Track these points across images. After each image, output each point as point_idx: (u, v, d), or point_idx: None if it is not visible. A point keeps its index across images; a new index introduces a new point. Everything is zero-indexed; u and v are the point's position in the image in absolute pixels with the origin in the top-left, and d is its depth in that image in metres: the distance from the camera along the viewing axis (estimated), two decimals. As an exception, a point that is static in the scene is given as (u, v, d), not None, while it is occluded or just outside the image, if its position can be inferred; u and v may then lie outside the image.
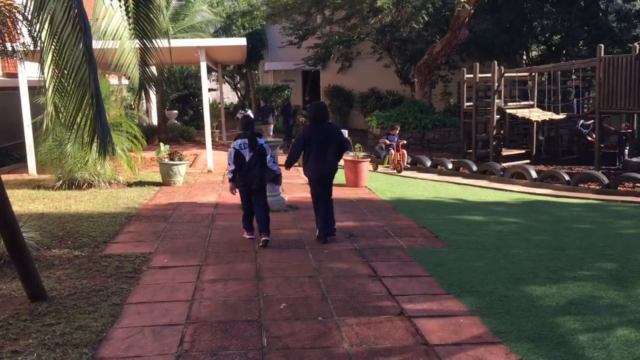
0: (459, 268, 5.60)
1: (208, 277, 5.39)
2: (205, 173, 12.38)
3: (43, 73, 4.55)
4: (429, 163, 13.61)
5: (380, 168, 13.66)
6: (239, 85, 34.15)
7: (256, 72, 30.64)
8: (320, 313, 4.49)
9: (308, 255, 6.12)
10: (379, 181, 11.66)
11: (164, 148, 11.24)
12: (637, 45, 11.91)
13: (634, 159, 12.35)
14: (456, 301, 4.73)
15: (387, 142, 13.70)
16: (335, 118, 24.26)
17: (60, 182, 10.28)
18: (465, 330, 4.16)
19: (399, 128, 14.45)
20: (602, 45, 12.50)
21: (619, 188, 10.48)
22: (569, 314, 4.41)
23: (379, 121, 17.86)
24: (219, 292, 4.96)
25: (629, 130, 13.73)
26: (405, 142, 14.22)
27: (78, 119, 4.12)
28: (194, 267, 5.70)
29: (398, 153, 13.30)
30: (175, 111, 25.41)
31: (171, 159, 10.85)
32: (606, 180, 10.61)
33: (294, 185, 10.46)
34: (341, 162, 12.40)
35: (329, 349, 3.84)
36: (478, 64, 14.88)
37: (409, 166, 13.56)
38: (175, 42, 11.96)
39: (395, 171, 13.16)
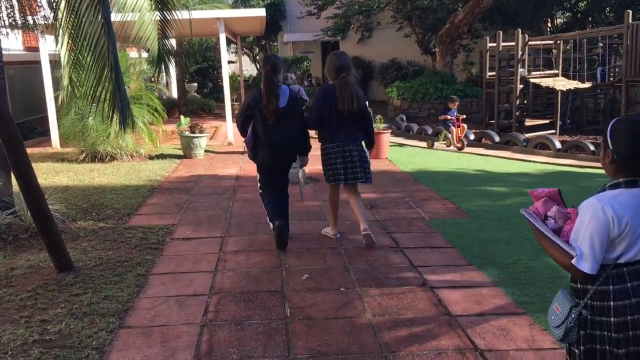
0: (481, 239, 5.57)
1: (230, 248, 5.44)
2: (225, 145, 12.41)
3: (61, 46, 4.56)
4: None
5: (436, 144, 12.65)
6: (257, 57, 33.98)
7: (275, 43, 30.43)
8: (343, 284, 4.50)
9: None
10: (400, 153, 11.58)
11: (184, 121, 11.27)
12: (667, 11, 11.55)
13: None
14: (478, 272, 4.71)
15: (448, 117, 12.45)
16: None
17: (84, 155, 10.39)
18: (488, 301, 4.14)
19: (458, 101, 13.11)
20: (630, 12, 12.13)
21: (645, 158, 10.27)
22: (594, 285, 4.37)
23: (400, 92, 17.68)
24: (242, 263, 5.00)
25: None
26: (464, 116, 13.11)
27: (98, 92, 4.13)
28: (216, 238, 5.74)
29: (458, 129, 12.31)
30: (195, 84, 25.43)
31: (192, 132, 10.88)
32: (632, 150, 10.39)
33: (313, 157, 10.42)
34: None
35: (351, 319, 3.86)
36: (501, 33, 14.56)
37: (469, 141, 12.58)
38: (194, 14, 11.88)
39: (456, 149, 12.14)
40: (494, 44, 14.39)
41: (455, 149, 12.22)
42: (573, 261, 2.18)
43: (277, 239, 5.25)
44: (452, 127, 12.38)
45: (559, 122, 14.03)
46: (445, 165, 10.23)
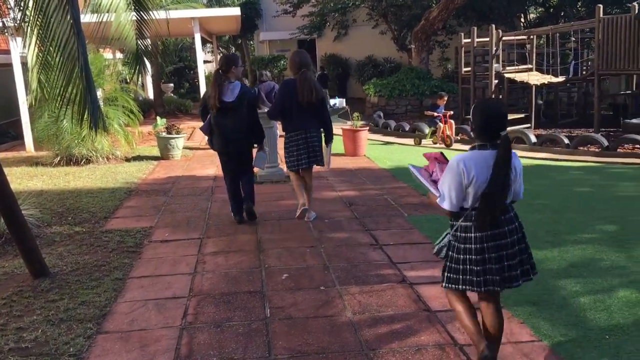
0: (460, 234, 5.60)
1: (209, 249, 5.40)
2: (203, 146, 12.31)
3: (28, 48, 4.47)
4: (427, 130, 13.54)
5: (424, 142, 12.57)
6: (235, 56, 33.83)
7: (251, 42, 30.32)
8: (322, 282, 4.50)
9: (308, 225, 6.12)
10: (378, 150, 11.62)
11: (160, 122, 11.17)
12: (636, 5, 11.73)
13: (634, 120, 12.29)
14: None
15: (435, 113, 12.39)
16: (333, 87, 24.12)
17: (58, 158, 10.24)
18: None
19: (446, 98, 12.88)
20: (601, 6, 12.32)
21: (618, 150, 10.46)
22: (570, 276, 4.43)
23: (376, 89, 17.73)
24: (221, 265, 4.97)
25: None
26: (452, 112, 12.91)
27: (68, 94, 4.06)
28: (195, 240, 5.70)
29: (446, 125, 12.16)
30: (171, 84, 25.23)
31: (168, 133, 10.79)
32: (606, 143, 10.57)
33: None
34: (339, 131, 12.37)
35: (332, 318, 3.86)
36: (475, 29, 14.71)
37: (458, 138, 12.53)
38: (170, 14, 11.79)
39: (444, 146, 12.03)
40: (469, 40, 14.51)
41: (443, 145, 12.17)
42: (437, 200, 3.02)
43: (244, 216, 6.21)
44: (440, 124, 12.30)
45: (533, 116, 14.20)
46: (423, 161, 10.25)
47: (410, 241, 5.48)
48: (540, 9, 21.48)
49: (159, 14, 7.74)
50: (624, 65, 11.67)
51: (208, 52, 32.32)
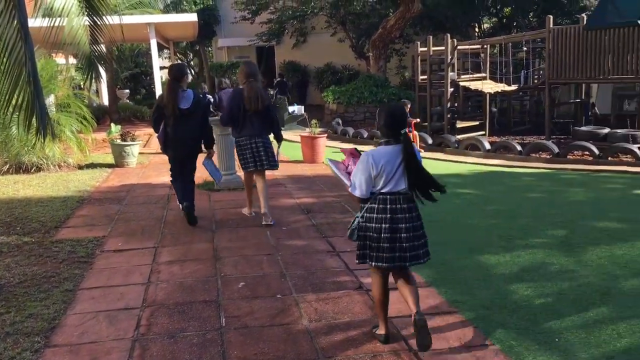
0: (416, 240, 5.66)
1: (164, 258, 5.31)
2: (159, 153, 12.11)
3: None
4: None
5: None
6: (192, 62, 33.51)
7: (209, 48, 30.09)
8: (279, 290, 4.47)
9: (266, 233, 6.08)
10: (335, 156, 11.64)
11: (115, 128, 10.95)
12: (585, 16, 12.15)
13: (583, 128, 12.69)
14: (413, 273, 4.78)
15: None
16: (292, 94, 24.15)
17: (7, 166, 9.91)
18: (422, 301, 4.18)
19: (409, 105, 12.74)
20: (551, 17, 12.70)
21: (568, 156, 10.78)
22: (522, 281, 4.52)
23: (335, 96, 17.83)
24: (176, 274, 4.88)
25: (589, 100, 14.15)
26: (418, 120, 12.96)
27: (14, 100, 3.93)
28: (149, 249, 5.59)
29: (411, 134, 12.06)
30: (127, 90, 24.78)
31: (123, 140, 10.58)
32: (556, 150, 10.88)
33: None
34: (298, 138, 12.36)
35: (288, 326, 3.83)
36: (431, 37, 14.95)
37: (423, 147, 12.51)
38: (124, 19, 11.58)
39: None
40: (425, 49, 14.74)
41: None
42: (349, 189, 3.51)
43: (187, 216, 6.35)
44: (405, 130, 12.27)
45: (488, 124, 14.51)
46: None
47: (367, 248, 5.49)
48: (493, 19, 21.99)
49: (112, 19, 7.61)
50: (573, 75, 12.04)
51: (165, 58, 31.94)
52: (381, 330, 3.57)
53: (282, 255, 5.32)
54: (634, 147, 10.56)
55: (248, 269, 4.99)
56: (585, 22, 11.75)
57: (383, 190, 3.38)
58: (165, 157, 7.46)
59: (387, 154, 3.39)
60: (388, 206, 3.37)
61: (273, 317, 4.00)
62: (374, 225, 3.40)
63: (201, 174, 8.98)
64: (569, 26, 12.71)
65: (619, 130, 11.97)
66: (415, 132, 12.47)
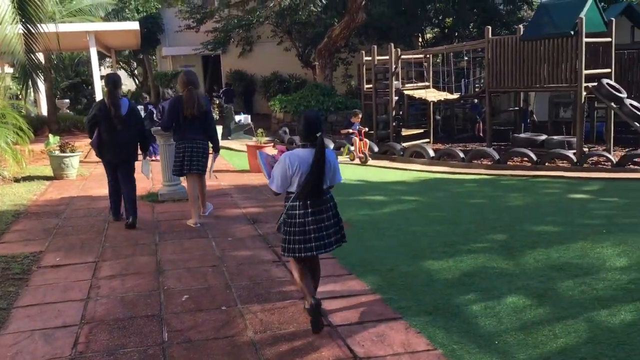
0: (361, 248, 5.71)
1: (105, 273, 5.16)
2: (101, 164, 11.80)
3: None
4: (332, 146, 13.75)
5: (339, 158, 12.41)
6: (135, 71, 32.87)
7: (154, 57, 29.59)
8: (224, 302, 4.42)
9: (211, 244, 6.01)
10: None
11: (53, 139, 10.60)
12: (522, 27, 12.59)
13: (522, 135, 13.13)
14: (358, 281, 4.82)
15: (350, 130, 12.37)
16: (238, 103, 24.02)
17: (-63, 180, 9.44)
18: (367, 308, 4.24)
19: (360, 115, 13.07)
20: (490, 27, 13.10)
21: (508, 162, 11.11)
22: (464, 285, 4.62)
23: (282, 105, 17.84)
24: (117, 289, 4.75)
25: (527, 108, 14.64)
26: (367, 129, 13.14)
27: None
28: (89, 264, 5.43)
29: (361, 142, 12.28)
30: (67, 100, 24.07)
31: (62, 151, 10.26)
32: (497, 156, 11.21)
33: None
34: (244, 148, 12.30)
35: (232, 339, 3.79)
36: (376, 47, 15.16)
37: (371, 154, 12.56)
38: (63, 27, 11.25)
39: (360, 162, 12.13)
40: (370, 58, 14.93)
41: (359, 162, 12.23)
42: (268, 182, 3.97)
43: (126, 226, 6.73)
44: (355, 138, 12.33)
45: (432, 131, 14.82)
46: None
47: (313, 256, 5.50)
48: (436, 30, 22.51)
49: (49, 28, 7.40)
50: (511, 83, 12.44)
51: (108, 66, 31.20)
52: (308, 304, 3.88)
53: (228, 266, 5.26)
54: (569, 153, 10.99)
55: (192, 281, 4.91)
56: (522, 33, 12.18)
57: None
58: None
59: (302, 156, 3.79)
60: (307, 202, 3.82)
61: (217, 329, 3.94)
62: (296, 220, 3.83)
63: (145, 184, 8.82)
64: (506, 36, 13.14)
65: (555, 137, 12.44)
66: (366, 140, 12.60)
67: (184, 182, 9.00)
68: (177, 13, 22.38)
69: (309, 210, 3.81)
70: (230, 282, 4.86)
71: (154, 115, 13.17)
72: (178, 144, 6.67)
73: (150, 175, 7.49)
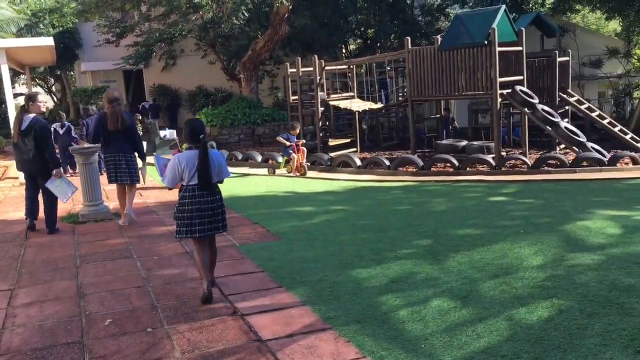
0: (290, 260, 5.71)
1: (21, 301, 4.90)
2: (17, 186, 11.27)
3: None
4: (259, 158, 13.72)
5: (278, 172, 12.53)
6: (53, 88, 31.62)
7: (72, 73, 28.56)
8: (150, 324, 4.29)
9: (136, 264, 5.83)
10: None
11: (-37, 162, 10.01)
12: (439, 38, 13.05)
13: (444, 141, 13.56)
14: (288, 293, 4.81)
15: (287, 142, 12.33)
16: (163, 118, 23.56)
17: None
18: (297, 320, 4.24)
19: (299, 128, 13.07)
20: (409, 38, 13.50)
21: (432, 169, 11.44)
22: (391, 291, 4.70)
23: (208, 119, 17.65)
24: (34, 317, 4.52)
25: (448, 115, 15.11)
26: (304, 141, 13.19)
27: None
28: (4, 292, 5.14)
29: (299, 154, 12.29)
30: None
31: (-27, 174, 9.70)
32: (421, 163, 11.52)
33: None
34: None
35: (159, 361, 3.68)
36: (300, 58, 15.29)
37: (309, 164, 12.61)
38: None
39: (298, 174, 12.12)
40: (294, 70, 15.04)
41: (298, 174, 12.18)
42: (161, 179, 4.78)
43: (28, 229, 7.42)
44: (293, 154, 12.24)
45: (358, 141, 15.06)
46: (254, 189, 10.37)
47: (241, 271, 5.45)
48: (358, 41, 22.97)
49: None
50: (432, 92, 12.86)
51: (22, 83, 29.85)
52: (204, 288, 4.65)
53: (153, 286, 5.12)
54: (489, 158, 11.45)
55: (116, 304, 4.74)
56: (439, 43, 12.62)
57: (190, 183, 4.57)
58: (24, 190, 7.45)
59: (189, 155, 4.57)
60: (195, 193, 4.57)
61: (143, 352, 3.82)
62: (186, 208, 4.58)
63: (65, 206, 8.47)
64: (425, 47, 13.58)
65: (475, 142, 12.94)
66: (303, 148, 12.55)
67: (107, 201, 8.75)
68: (95, 27, 21.71)
69: (197, 199, 4.56)
70: (156, 302, 4.73)
71: (72, 131, 12.84)
72: (106, 156, 7.48)
73: (66, 199, 7.28)
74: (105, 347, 3.93)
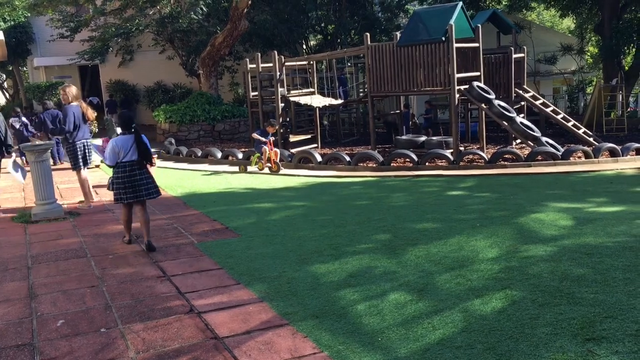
0: (249, 257, 5.67)
1: (-32, 304, 4.73)
2: (-34, 185, 10.86)
3: None
4: (219, 154, 13.60)
5: (249, 168, 12.33)
6: (5, 84, 30.65)
7: (25, 68, 27.74)
8: (103, 324, 4.20)
9: (90, 263, 5.70)
10: (169, 177, 11.34)
11: None
12: (398, 34, 13.15)
13: (404, 137, 13.69)
14: (246, 290, 4.77)
15: (263, 139, 12.08)
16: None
17: None
18: (254, 317, 4.21)
19: (277, 126, 12.93)
20: (368, 34, 13.57)
21: (392, 164, 11.53)
22: (349, 286, 4.71)
23: (167, 115, 17.39)
24: (-18, 320, 4.37)
25: (408, 111, 15.25)
26: (274, 138, 12.84)
27: None
28: (-50, 295, 4.95)
29: (272, 151, 12.04)
30: None
31: None
32: (381, 158, 11.60)
33: (76, 190, 9.69)
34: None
35: (112, 361, 3.60)
36: (259, 54, 15.20)
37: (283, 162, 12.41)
38: None
39: (270, 172, 11.91)
40: (254, 66, 14.94)
41: (268, 171, 12.01)
42: (105, 160, 6.14)
43: None
44: (265, 148, 12.00)
45: (319, 137, 15.07)
46: (214, 186, 10.27)
47: (199, 269, 5.39)
48: (319, 37, 22.96)
49: None
50: (391, 88, 12.95)
51: (-28, 79, 28.86)
52: (126, 238, 6.34)
53: (108, 286, 5.02)
54: (447, 153, 11.61)
55: (69, 304, 4.62)
56: (398, 39, 12.72)
57: (124, 160, 5.90)
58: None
59: (124, 140, 5.91)
60: (127, 168, 5.92)
61: (96, 353, 3.73)
62: (121, 179, 5.92)
63: (16, 204, 8.22)
64: (385, 43, 13.66)
65: (434, 138, 13.09)
66: (276, 150, 12.36)
67: (60, 199, 8.54)
68: (49, 22, 21.10)
69: (128, 172, 5.91)
70: (110, 302, 4.64)
71: (28, 126, 12.91)
72: (76, 143, 8.36)
73: (22, 180, 8.35)
74: (56, 348, 3.83)
